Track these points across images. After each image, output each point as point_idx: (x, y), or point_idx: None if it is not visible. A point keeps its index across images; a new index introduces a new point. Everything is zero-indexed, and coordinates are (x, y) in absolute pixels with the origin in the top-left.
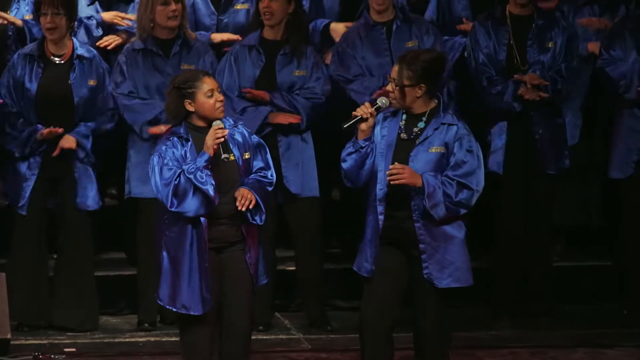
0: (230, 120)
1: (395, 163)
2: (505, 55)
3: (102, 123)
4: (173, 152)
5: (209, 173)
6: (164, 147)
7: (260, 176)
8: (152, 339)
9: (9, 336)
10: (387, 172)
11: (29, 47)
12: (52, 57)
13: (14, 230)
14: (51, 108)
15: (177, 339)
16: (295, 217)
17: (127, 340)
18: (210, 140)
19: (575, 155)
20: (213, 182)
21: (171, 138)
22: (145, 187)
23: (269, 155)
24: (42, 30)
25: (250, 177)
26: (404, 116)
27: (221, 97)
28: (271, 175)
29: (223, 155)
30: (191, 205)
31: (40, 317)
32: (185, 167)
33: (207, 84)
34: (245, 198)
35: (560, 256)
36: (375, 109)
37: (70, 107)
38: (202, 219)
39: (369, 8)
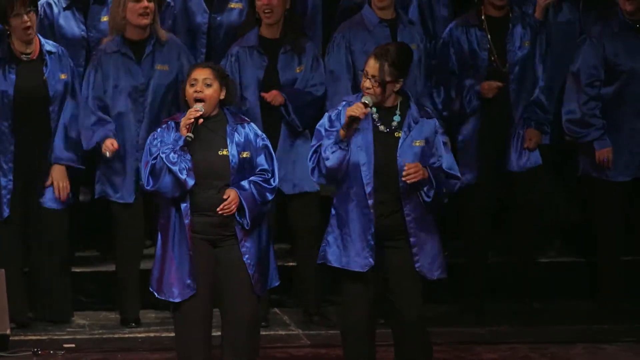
0: (229, 115)
1: (409, 163)
2: (487, 58)
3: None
4: (164, 135)
5: (185, 156)
6: (159, 130)
7: (262, 180)
8: (152, 334)
9: (8, 332)
10: (404, 173)
11: None
12: (21, 56)
13: None
14: (29, 105)
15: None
16: (295, 210)
17: (126, 336)
18: (183, 121)
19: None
20: (188, 166)
21: (169, 122)
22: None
23: (275, 162)
24: (16, 32)
25: (252, 178)
26: (374, 109)
27: (200, 89)
28: (274, 182)
29: (187, 134)
30: (166, 185)
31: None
32: (162, 148)
33: (195, 73)
34: (228, 205)
35: (558, 252)
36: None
37: (47, 102)
38: (183, 205)
39: (370, 2)
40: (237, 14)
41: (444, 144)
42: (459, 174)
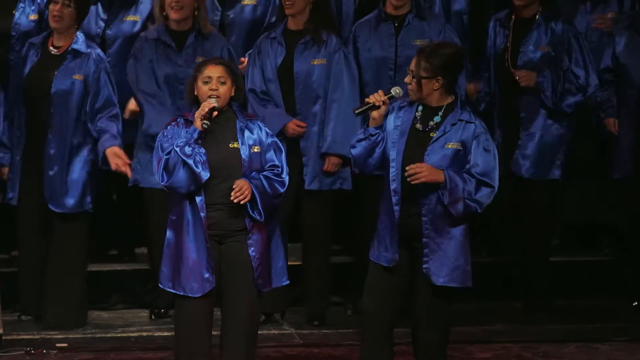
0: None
1: (413, 163)
2: (500, 57)
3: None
4: (175, 131)
5: (200, 149)
6: (169, 127)
7: (274, 174)
8: (144, 333)
9: (0, 331)
10: (406, 173)
11: (37, 37)
12: (50, 48)
13: (15, 222)
14: (34, 97)
15: (169, 334)
16: (310, 207)
17: (119, 335)
18: (197, 113)
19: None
20: (202, 159)
21: (179, 119)
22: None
23: (284, 157)
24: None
25: (262, 172)
26: (420, 107)
27: (215, 87)
28: (283, 176)
29: (203, 121)
30: (180, 179)
31: (35, 310)
32: (176, 142)
33: (209, 70)
34: (240, 191)
35: (553, 251)
36: (388, 97)
37: (49, 99)
38: (198, 198)
39: (386, 1)
40: (249, 11)
41: (485, 149)
42: (493, 183)
